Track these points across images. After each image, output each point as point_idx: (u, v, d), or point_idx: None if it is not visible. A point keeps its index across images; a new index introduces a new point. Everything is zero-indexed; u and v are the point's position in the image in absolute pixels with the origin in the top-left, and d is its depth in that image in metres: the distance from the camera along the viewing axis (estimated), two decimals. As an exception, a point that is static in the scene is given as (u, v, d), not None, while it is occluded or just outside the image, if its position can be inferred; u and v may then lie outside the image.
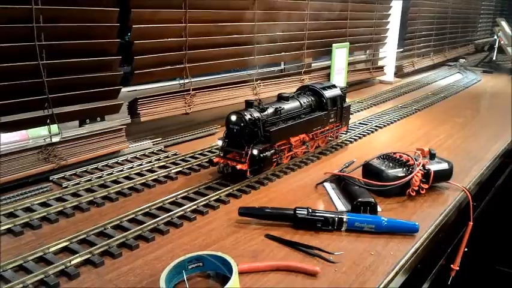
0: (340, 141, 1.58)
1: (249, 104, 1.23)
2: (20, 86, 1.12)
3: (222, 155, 1.23)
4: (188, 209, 1.03)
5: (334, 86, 1.49)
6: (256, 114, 1.19)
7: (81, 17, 1.21)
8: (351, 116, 1.97)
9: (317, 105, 1.43)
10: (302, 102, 1.37)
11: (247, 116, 1.17)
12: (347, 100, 2.27)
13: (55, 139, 1.23)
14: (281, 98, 1.34)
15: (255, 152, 1.15)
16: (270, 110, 1.24)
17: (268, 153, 1.19)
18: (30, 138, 1.26)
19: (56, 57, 1.17)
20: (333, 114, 1.47)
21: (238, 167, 1.16)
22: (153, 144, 1.50)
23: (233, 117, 1.18)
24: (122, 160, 1.35)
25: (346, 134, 1.66)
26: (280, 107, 1.27)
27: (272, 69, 2.32)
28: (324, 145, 1.50)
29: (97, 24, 1.25)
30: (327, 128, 1.47)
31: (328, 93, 1.44)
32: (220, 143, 1.22)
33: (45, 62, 1.15)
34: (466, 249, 1.20)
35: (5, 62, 1.08)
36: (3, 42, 1.07)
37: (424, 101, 2.33)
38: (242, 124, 1.17)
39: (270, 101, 1.34)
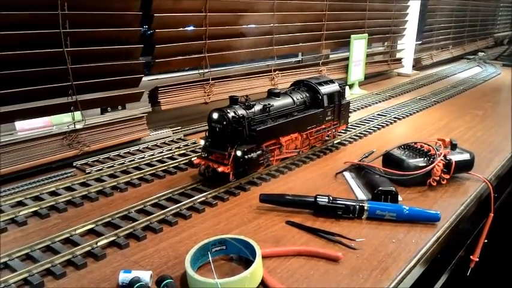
0: (354, 134, 1.58)
1: (233, 101, 1.12)
2: (45, 73, 1.14)
3: (204, 155, 1.13)
4: (209, 195, 1.04)
5: (331, 81, 1.39)
6: (241, 112, 1.09)
7: (104, 5, 1.23)
8: (369, 107, 1.99)
9: (312, 102, 1.32)
10: (295, 99, 1.27)
11: (231, 114, 1.07)
12: (362, 92, 2.29)
13: (78, 126, 1.25)
14: (271, 94, 1.24)
15: (239, 153, 1.06)
16: (258, 107, 1.15)
17: (253, 155, 1.10)
18: (53, 125, 1.28)
19: (80, 45, 1.19)
20: (329, 112, 1.37)
21: (220, 169, 1.06)
22: (173, 133, 1.51)
23: (215, 115, 1.09)
24: (143, 148, 1.37)
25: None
26: (269, 104, 1.17)
27: (289, 60, 2.32)
28: (319, 144, 1.40)
29: (120, 12, 1.26)
30: (323, 126, 1.37)
31: (324, 89, 1.33)
32: (202, 142, 1.13)
33: (69, 49, 1.17)
34: (486, 241, 1.19)
35: (31, 49, 1.10)
36: (30, 29, 1.09)
37: (443, 93, 2.31)
38: (225, 122, 1.07)
39: (259, 97, 1.24)
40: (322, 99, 1.32)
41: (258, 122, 1.14)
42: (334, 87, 1.38)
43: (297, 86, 1.37)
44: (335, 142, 1.46)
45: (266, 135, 1.15)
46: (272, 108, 1.18)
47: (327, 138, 1.43)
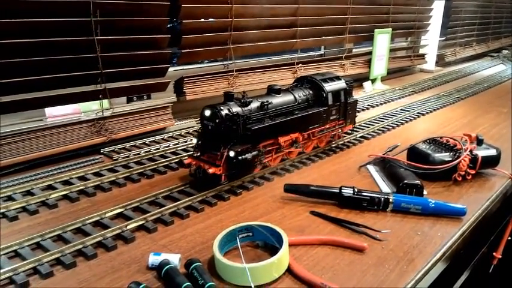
0: (377, 128, 1.57)
1: (228, 97, 1.05)
2: (76, 60, 1.16)
3: (196, 155, 1.06)
4: (234, 184, 1.05)
5: (338, 78, 1.30)
6: (235, 109, 1.02)
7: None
8: (391, 102, 1.97)
9: (316, 100, 1.24)
10: (297, 96, 1.19)
11: (224, 111, 1.00)
12: (384, 87, 2.27)
13: (106, 113, 1.27)
14: (271, 90, 1.16)
15: (232, 153, 0.99)
16: (255, 105, 1.07)
17: (248, 156, 1.02)
18: (82, 112, 1.31)
19: (109, 33, 1.21)
20: (334, 111, 1.28)
21: (211, 171, 0.99)
22: (196, 123, 1.53)
23: (207, 112, 1.02)
24: (168, 137, 1.40)
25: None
26: (267, 101, 1.09)
27: (312, 53, 2.31)
28: (323, 145, 1.33)
29: (149, 2, 1.28)
30: (327, 126, 1.28)
31: (329, 86, 1.25)
32: (194, 140, 1.07)
33: (99, 37, 1.19)
34: (509, 238, 1.18)
35: (62, 37, 1.12)
36: (62, 17, 1.11)
37: (467, 90, 2.28)
38: (217, 120, 1.00)
39: (258, 93, 1.18)
40: (326, 97, 1.24)
41: (255, 121, 1.06)
42: (340, 84, 1.30)
43: (300, 82, 1.29)
44: (358, 136, 1.46)
45: (263, 134, 1.08)
46: (270, 105, 1.10)
47: (331, 138, 1.36)
